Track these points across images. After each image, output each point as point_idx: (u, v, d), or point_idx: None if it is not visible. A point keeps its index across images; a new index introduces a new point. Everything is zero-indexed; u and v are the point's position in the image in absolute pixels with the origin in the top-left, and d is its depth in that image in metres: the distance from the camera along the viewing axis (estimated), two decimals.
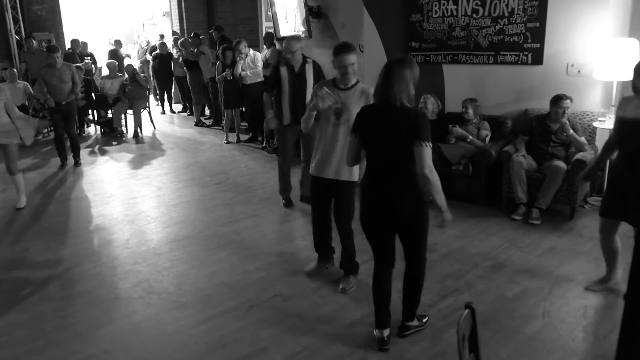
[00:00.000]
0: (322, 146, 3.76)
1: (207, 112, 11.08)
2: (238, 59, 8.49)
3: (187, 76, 10.59)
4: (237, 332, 3.39)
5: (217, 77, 8.75)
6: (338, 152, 3.67)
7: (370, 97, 3.71)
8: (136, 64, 12.97)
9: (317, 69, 5.36)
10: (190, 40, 10.54)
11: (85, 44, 11.37)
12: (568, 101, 5.03)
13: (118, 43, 12.53)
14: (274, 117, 5.49)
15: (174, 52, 11.24)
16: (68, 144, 7.65)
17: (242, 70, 8.37)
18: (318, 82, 4.07)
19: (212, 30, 10.84)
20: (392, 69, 2.83)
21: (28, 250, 4.76)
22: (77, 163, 7.68)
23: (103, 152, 8.39)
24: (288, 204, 5.76)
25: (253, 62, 8.46)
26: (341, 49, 3.57)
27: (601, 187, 5.45)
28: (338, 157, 3.67)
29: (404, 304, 3.29)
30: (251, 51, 8.58)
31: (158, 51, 11.45)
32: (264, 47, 9.34)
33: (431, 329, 3.37)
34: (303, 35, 8.14)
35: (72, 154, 7.69)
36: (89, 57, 11.06)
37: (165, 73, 11.41)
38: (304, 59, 5.31)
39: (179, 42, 10.95)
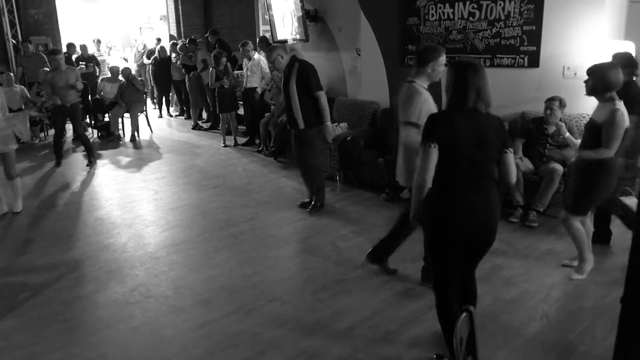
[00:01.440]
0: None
1: (205, 115, 11.07)
2: (245, 61, 8.54)
3: (186, 79, 10.59)
4: (236, 336, 3.39)
5: (210, 84, 8.77)
6: None
7: None
8: (133, 67, 12.97)
9: (301, 72, 5.26)
10: (187, 45, 10.55)
11: (84, 47, 11.37)
12: (556, 102, 5.04)
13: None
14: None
15: (172, 56, 11.24)
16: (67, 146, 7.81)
17: (250, 72, 8.42)
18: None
19: (208, 34, 10.82)
20: (465, 73, 2.67)
21: (25, 255, 4.75)
22: (91, 163, 7.78)
23: (100, 156, 8.36)
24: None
25: (257, 66, 8.47)
26: (442, 49, 3.64)
27: None
28: None
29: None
30: (256, 55, 8.58)
31: (156, 55, 11.45)
32: (261, 51, 9.36)
33: (430, 332, 3.37)
34: (294, 41, 8.18)
35: (86, 154, 7.93)
36: (83, 62, 11.03)
37: (164, 77, 11.41)
38: (292, 62, 5.33)
39: (177, 46, 10.94)
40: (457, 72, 2.68)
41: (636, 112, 4.14)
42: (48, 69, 8.67)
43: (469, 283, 3.00)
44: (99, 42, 12.78)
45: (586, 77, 3.72)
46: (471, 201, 2.67)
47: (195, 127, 10.45)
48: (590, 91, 3.66)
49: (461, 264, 2.86)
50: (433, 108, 3.59)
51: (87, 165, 7.71)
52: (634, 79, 4.28)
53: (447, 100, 2.71)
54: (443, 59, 3.63)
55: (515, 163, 5.06)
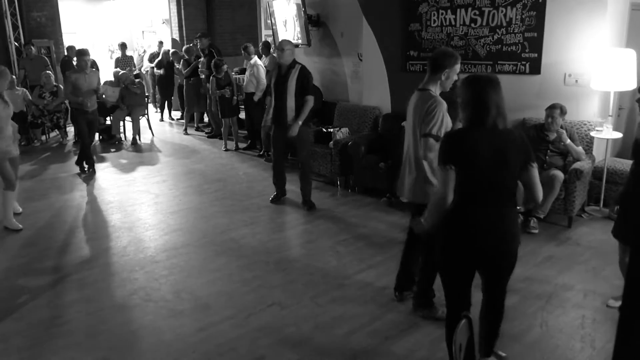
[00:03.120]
0: None
1: (206, 119, 11.06)
2: (246, 64, 8.59)
3: (184, 83, 10.55)
4: (235, 341, 3.38)
5: (210, 91, 8.77)
6: None
7: None
8: (135, 71, 12.99)
9: (302, 75, 5.48)
10: (200, 42, 10.33)
11: (86, 51, 11.37)
12: (557, 110, 5.04)
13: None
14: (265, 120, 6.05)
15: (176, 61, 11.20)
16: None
17: (248, 77, 8.45)
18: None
19: (198, 39, 10.23)
20: (486, 90, 2.54)
21: (25, 258, 4.74)
22: (88, 170, 7.48)
23: (101, 159, 8.37)
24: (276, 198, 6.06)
25: (251, 70, 8.48)
26: (459, 56, 3.44)
27: (599, 197, 5.46)
28: None
29: (485, 339, 2.93)
30: (254, 59, 8.57)
31: (161, 59, 11.44)
32: (263, 55, 9.37)
33: (429, 337, 3.37)
34: (301, 43, 8.19)
35: (80, 159, 7.48)
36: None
37: (167, 80, 11.40)
38: (294, 64, 5.48)
39: (183, 48, 10.87)
40: (479, 88, 2.55)
41: (454, 115, 4.19)
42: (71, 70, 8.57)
43: (495, 299, 2.86)
44: (124, 46, 12.24)
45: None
46: (486, 226, 2.57)
47: (186, 131, 10.39)
48: None
49: (484, 285, 2.82)
50: (449, 120, 3.39)
51: (85, 171, 7.47)
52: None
53: (465, 117, 2.59)
54: (458, 67, 3.45)
55: None
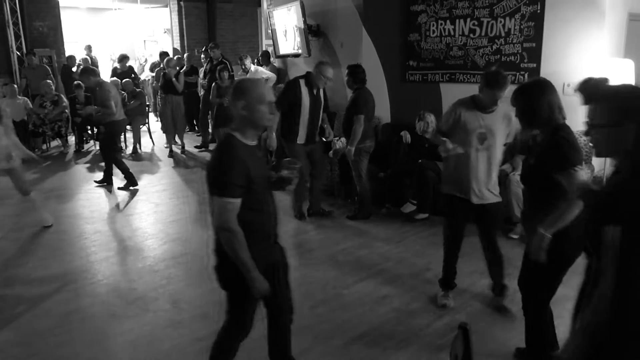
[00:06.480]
0: (463, 170, 3.63)
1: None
2: (240, 74, 8.61)
3: (161, 100, 9.60)
4: None
5: (211, 98, 8.79)
6: (480, 178, 3.61)
7: (513, 121, 3.51)
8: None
9: (324, 92, 5.67)
10: (212, 52, 9.99)
11: (87, 60, 11.44)
12: None
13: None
14: (275, 138, 5.53)
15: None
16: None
17: None
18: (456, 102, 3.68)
19: (210, 48, 10.08)
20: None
21: (23, 267, 4.74)
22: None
23: (101, 168, 8.37)
24: (302, 217, 5.85)
25: (253, 76, 8.55)
26: (497, 85, 3.46)
27: None
28: (480, 183, 3.63)
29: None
30: (252, 67, 8.64)
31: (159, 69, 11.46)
32: (263, 65, 9.42)
33: (427, 348, 3.36)
34: (303, 53, 8.23)
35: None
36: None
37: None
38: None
39: (165, 60, 10.71)
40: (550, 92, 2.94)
41: (362, 112, 5.40)
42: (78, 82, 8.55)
43: None
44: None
45: None
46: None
47: (171, 153, 9.32)
48: None
49: None
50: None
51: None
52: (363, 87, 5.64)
53: (550, 119, 2.92)
54: (500, 95, 3.60)
55: (515, 179, 5.12)
